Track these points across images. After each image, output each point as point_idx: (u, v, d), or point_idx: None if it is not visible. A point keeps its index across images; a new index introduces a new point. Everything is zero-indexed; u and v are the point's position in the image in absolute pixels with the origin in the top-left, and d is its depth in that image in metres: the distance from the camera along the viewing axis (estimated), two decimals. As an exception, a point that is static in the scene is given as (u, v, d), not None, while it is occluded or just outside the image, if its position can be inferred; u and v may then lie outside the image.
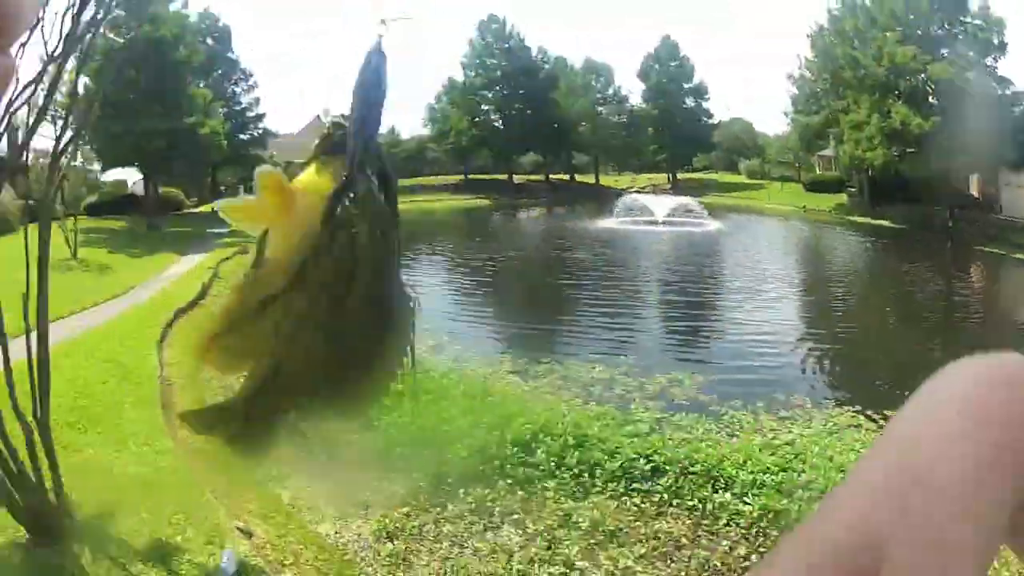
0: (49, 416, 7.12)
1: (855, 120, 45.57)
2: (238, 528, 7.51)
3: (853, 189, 51.69)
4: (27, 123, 7.18)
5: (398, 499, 8.37)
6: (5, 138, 6.94)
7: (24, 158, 8.61)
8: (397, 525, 7.81)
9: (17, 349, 7.21)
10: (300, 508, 8.47)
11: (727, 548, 7.06)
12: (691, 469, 8.25)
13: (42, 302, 6.94)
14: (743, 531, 7.22)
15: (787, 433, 9.73)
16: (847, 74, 46.84)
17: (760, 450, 8.65)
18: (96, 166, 43.55)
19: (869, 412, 10.26)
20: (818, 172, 62.52)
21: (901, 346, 15.48)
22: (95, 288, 21.54)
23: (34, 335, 6.98)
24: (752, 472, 7.98)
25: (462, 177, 77.33)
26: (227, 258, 28.76)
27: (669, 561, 6.98)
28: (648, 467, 8.38)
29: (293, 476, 9.18)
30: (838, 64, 48.13)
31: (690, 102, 74.97)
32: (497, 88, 75.04)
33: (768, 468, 8.09)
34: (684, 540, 7.26)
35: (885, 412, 10.09)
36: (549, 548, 7.34)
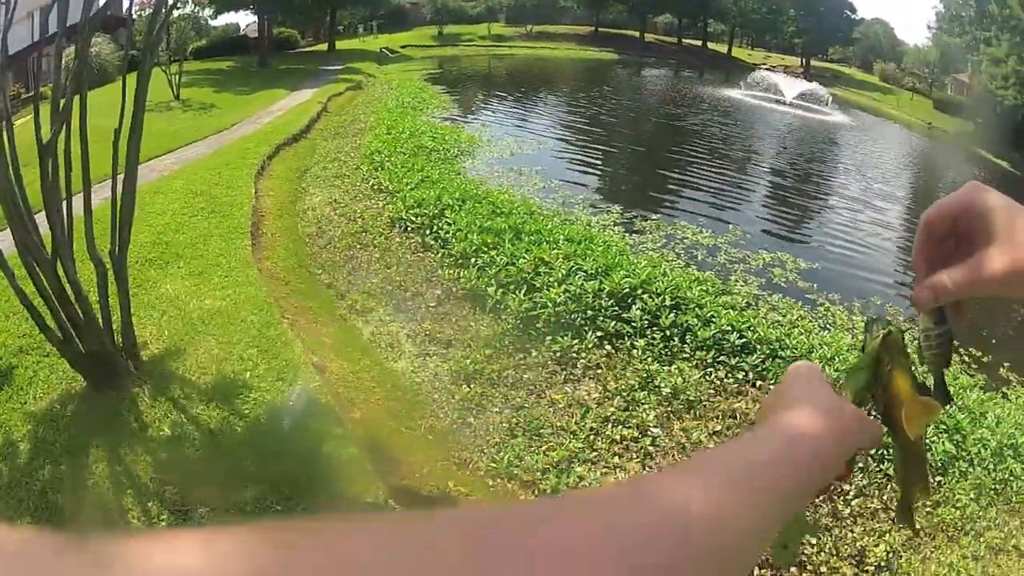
0: (127, 253, 6.85)
1: (994, 55, 43.21)
2: (312, 363, 7.17)
3: (980, 120, 48.56)
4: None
5: (482, 340, 7.98)
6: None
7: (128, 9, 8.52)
8: (477, 368, 7.43)
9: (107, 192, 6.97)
10: (379, 344, 8.12)
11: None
12: (780, 353, 7.78)
13: (133, 141, 6.64)
14: (817, 427, 6.74)
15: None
16: (993, 8, 44.01)
17: (847, 350, 8.02)
18: (207, 11, 43.13)
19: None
20: (950, 93, 59.41)
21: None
22: (196, 126, 21.30)
23: (121, 175, 6.72)
24: (837, 370, 7.39)
25: (592, 28, 76.41)
26: (338, 93, 28.44)
27: (739, 443, 6.56)
28: (739, 342, 7.90)
29: (376, 311, 8.92)
30: (985, -7, 45.36)
31: (836, -8, 71.50)
32: (638, -59, 72.97)
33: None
34: (758, 424, 6.81)
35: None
36: (626, 409, 6.99)
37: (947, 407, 1.08)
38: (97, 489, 5.35)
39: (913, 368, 1.00)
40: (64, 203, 6.34)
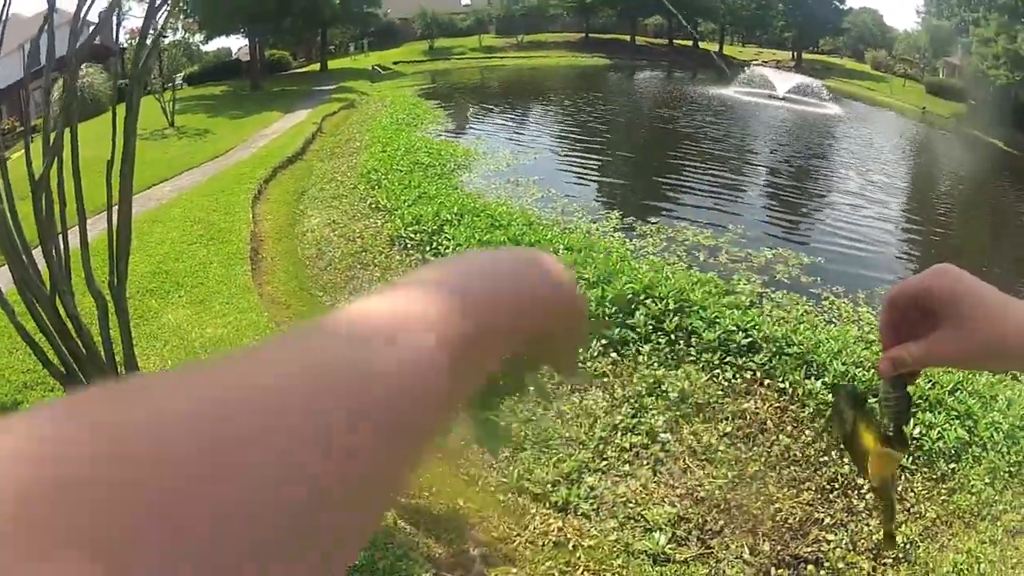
0: (126, 284, 6.83)
1: (983, 35, 44.07)
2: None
3: (973, 102, 48.88)
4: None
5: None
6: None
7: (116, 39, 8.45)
8: (482, 381, 7.36)
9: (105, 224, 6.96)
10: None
11: (810, 439, 6.61)
12: (786, 350, 7.67)
13: (125, 171, 6.60)
14: (828, 423, 6.75)
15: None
16: (979, -14, 44.66)
17: (855, 342, 7.98)
18: (198, 37, 43.28)
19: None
20: (942, 76, 59.83)
21: (999, 268, 14.32)
22: (191, 152, 21.28)
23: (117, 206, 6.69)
24: (845, 364, 7.39)
25: (582, 35, 76.20)
26: (332, 113, 28.39)
27: (752, 444, 6.60)
28: (745, 341, 7.82)
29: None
30: (971, -27, 45.89)
31: (823, -17, 71.50)
32: (626, -55, 72.61)
33: (861, 362, 7.50)
34: (769, 423, 6.83)
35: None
36: (635, 416, 6.97)
37: (905, 451, 1.13)
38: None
39: (877, 418, 1.08)
40: (60, 237, 6.30)
